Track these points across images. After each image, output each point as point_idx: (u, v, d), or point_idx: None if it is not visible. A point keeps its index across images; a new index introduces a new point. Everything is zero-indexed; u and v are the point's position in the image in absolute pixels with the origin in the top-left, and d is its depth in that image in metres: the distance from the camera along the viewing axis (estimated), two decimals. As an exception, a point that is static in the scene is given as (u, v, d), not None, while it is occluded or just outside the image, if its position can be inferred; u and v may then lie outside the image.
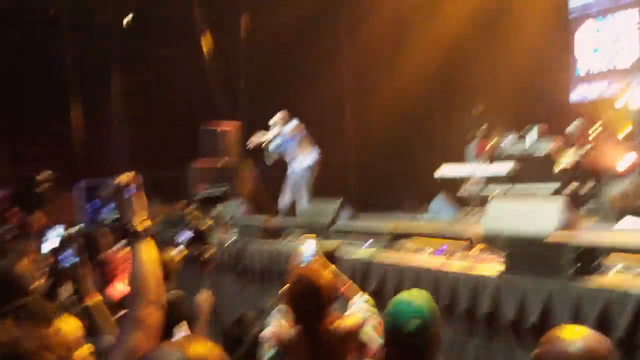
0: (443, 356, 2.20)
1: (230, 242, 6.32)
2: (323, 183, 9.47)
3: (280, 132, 8.14)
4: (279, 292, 2.86)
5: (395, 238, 5.20)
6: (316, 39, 11.85)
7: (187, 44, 12.24)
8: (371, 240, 5.33)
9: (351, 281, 3.02)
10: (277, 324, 2.74)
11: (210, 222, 3.46)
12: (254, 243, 6.08)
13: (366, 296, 2.94)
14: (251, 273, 6.03)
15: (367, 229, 5.72)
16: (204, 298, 3.50)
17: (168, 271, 3.00)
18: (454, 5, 11.01)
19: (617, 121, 10.62)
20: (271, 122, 8.21)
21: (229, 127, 12.04)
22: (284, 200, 8.05)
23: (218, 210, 7.98)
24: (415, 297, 2.20)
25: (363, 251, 5.01)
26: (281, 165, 11.74)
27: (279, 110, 11.95)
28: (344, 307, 2.93)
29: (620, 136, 10.49)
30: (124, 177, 1.75)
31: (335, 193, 7.11)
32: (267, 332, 2.75)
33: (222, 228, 6.96)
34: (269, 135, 8.18)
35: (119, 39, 12.21)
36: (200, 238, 3.36)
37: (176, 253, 3.53)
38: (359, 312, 2.77)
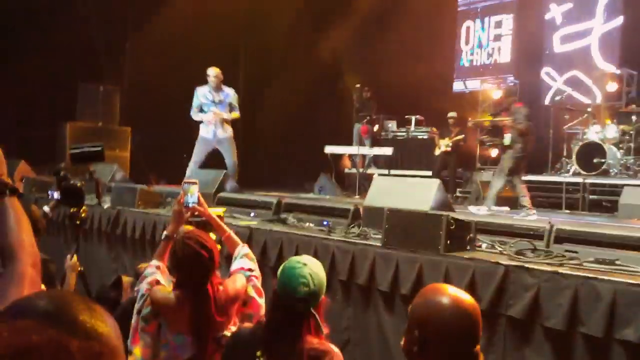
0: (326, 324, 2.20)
1: (105, 206, 5.96)
2: (211, 159, 9.27)
3: (215, 90, 7.38)
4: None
5: (279, 211, 5.20)
6: (210, 10, 11.48)
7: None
8: (254, 213, 5.30)
9: (231, 231, 2.95)
10: (152, 282, 2.62)
11: (82, 182, 3.19)
12: (130, 210, 5.79)
13: (246, 248, 2.89)
14: (126, 241, 5.75)
15: (252, 201, 5.66)
16: (71, 263, 3.27)
17: (34, 232, 2.75)
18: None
19: (489, 115, 11.42)
20: (209, 73, 7.36)
21: (110, 89, 11.37)
22: (194, 165, 7.36)
23: (93, 171, 7.51)
24: (307, 264, 2.18)
25: (246, 221, 4.95)
26: (160, 134, 11.37)
27: (161, 77, 11.56)
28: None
29: (491, 128, 11.30)
30: None
31: (220, 166, 6.99)
32: (143, 289, 2.62)
33: (98, 191, 6.56)
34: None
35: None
36: (72, 197, 3.10)
37: (43, 212, 3.24)
38: (240, 273, 2.72)
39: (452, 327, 1.51)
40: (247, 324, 2.32)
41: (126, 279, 3.65)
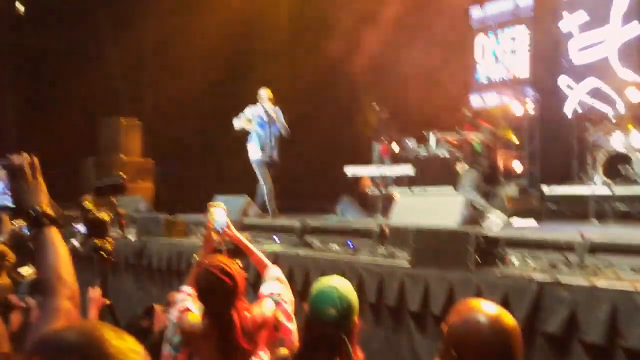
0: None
1: (130, 238, 5.99)
2: (229, 182, 9.30)
3: (266, 111, 7.28)
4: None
5: (304, 234, 5.17)
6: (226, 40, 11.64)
7: (84, 33, 11.57)
8: (279, 237, 5.27)
9: (261, 254, 2.92)
10: (182, 310, 2.61)
11: (108, 214, 3.20)
12: (156, 240, 5.81)
13: (276, 270, 2.84)
14: (153, 272, 5.75)
15: (275, 226, 5.65)
16: (93, 296, 3.25)
17: None
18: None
19: (510, 129, 11.32)
20: (262, 94, 7.30)
21: (131, 123, 11.54)
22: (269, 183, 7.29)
23: (117, 204, 7.58)
24: (337, 285, 2.14)
25: (271, 246, 4.92)
26: (183, 164, 11.47)
27: (180, 108, 11.66)
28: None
29: (512, 143, 11.20)
30: (20, 157, 1.52)
31: (243, 192, 7.00)
32: (173, 317, 2.61)
33: (122, 223, 6.60)
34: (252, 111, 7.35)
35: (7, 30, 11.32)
36: (97, 229, 3.11)
37: (72, 245, 3.25)
38: (269, 298, 2.68)
39: (492, 347, 1.44)
40: (283, 353, 2.24)
41: (158, 307, 3.63)
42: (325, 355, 2.02)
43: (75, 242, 3.82)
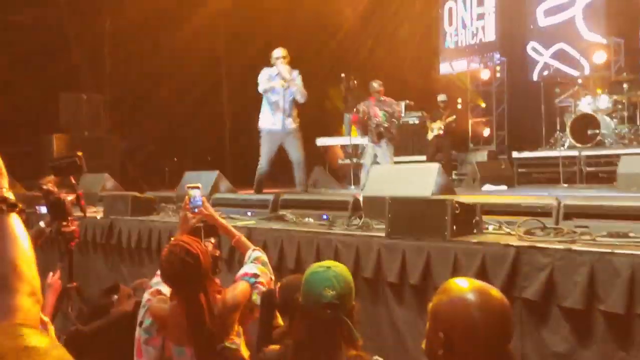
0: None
1: (97, 217, 5.82)
2: (198, 158, 9.13)
3: (280, 73, 6.45)
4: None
5: (277, 208, 5.08)
6: (190, 12, 11.31)
7: (46, 8, 11.08)
8: (251, 212, 5.17)
9: (240, 235, 2.84)
10: (153, 293, 2.52)
11: (69, 194, 3.06)
12: (124, 219, 5.65)
13: (257, 252, 2.77)
14: (122, 250, 5.60)
15: (248, 200, 5.53)
16: (51, 281, 3.12)
17: None
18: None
19: (478, 94, 11.35)
20: (277, 54, 6.51)
21: (93, 98, 11.18)
22: (265, 164, 6.60)
23: (82, 183, 7.35)
24: (331, 267, 2.05)
25: (244, 221, 4.82)
26: (148, 140, 11.21)
27: (146, 84, 11.35)
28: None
29: (481, 109, 11.23)
30: None
31: (212, 168, 6.84)
32: (144, 299, 2.52)
33: (81, 204, 6.41)
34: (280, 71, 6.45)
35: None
36: (59, 211, 2.96)
37: (39, 227, 3.10)
38: (243, 280, 2.59)
39: (482, 327, 1.37)
40: (273, 347, 2.13)
41: (124, 288, 3.51)
42: (327, 341, 1.90)
43: (42, 224, 3.65)
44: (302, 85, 6.55)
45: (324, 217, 4.66)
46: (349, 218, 4.36)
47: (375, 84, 7.96)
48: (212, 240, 2.81)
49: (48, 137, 10.35)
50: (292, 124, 6.56)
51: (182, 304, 2.38)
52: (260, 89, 6.53)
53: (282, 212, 4.89)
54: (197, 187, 2.83)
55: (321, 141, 9.94)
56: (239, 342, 2.47)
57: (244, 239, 2.87)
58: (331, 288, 1.91)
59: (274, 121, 6.50)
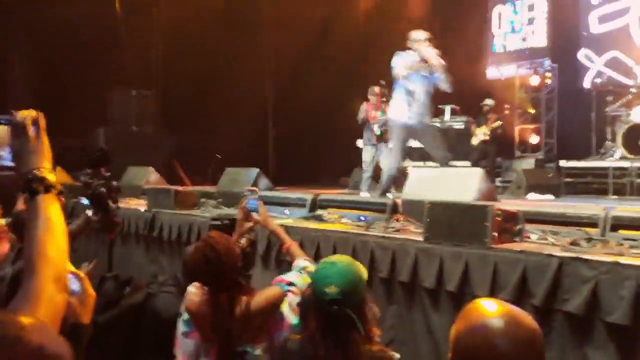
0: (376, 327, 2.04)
1: (141, 209, 5.94)
2: (242, 155, 9.20)
3: (423, 59, 5.71)
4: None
5: (315, 208, 5.07)
6: (238, 13, 11.46)
7: (95, 5, 11.40)
8: (290, 210, 5.18)
9: (294, 242, 2.84)
10: (195, 290, 2.53)
11: (109, 186, 3.11)
12: (166, 212, 5.75)
13: (304, 262, 2.74)
14: (163, 243, 5.70)
15: (287, 199, 5.54)
16: (85, 271, 3.16)
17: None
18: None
19: (527, 101, 11.08)
20: (417, 36, 5.76)
21: (143, 94, 11.43)
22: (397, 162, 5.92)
23: (127, 175, 7.52)
24: (336, 261, 2.04)
25: (281, 220, 4.83)
26: (196, 136, 11.37)
27: (194, 81, 11.57)
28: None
29: (529, 115, 10.96)
30: (24, 113, 1.36)
31: (254, 165, 6.89)
32: (189, 292, 2.55)
33: (112, 196, 6.54)
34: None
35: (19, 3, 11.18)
36: (100, 204, 3.02)
37: (86, 216, 3.16)
38: (279, 285, 2.57)
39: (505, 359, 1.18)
40: (294, 337, 2.14)
41: (137, 283, 3.54)
42: (334, 336, 1.90)
43: (89, 213, 3.74)
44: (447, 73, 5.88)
45: (362, 218, 4.62)
46: (386, 220, 4.31)
47: (376, 88, 8.13)
48: (246, 236, 2.82)
49: (97, 130, 10.65)
50: (429, 119, 5.93)
51: (207, 302, 2.38)
52: (399, 74, 5.75)
53: (320, 211, 4.88)
54: (254, 190, 2.91)
55: (360, 142, 9.87)
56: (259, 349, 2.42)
57: (295, 247, 2.85)
58: (334, 285, 1.91)
59: (409, 115, 5.72)
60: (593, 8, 10.55)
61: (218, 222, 2.82)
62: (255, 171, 6.17)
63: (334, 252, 4.09)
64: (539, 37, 11.37)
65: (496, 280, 3.19)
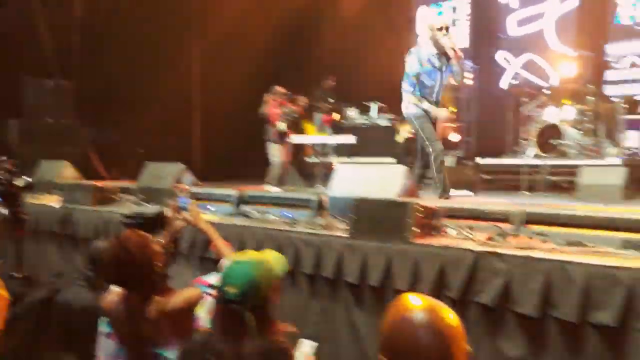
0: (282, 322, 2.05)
1: (54, 206, 5.65)
2: (165, 148, 8.96)
3: (439, 53, 5.40)
4: None
5: (241, 204, 5.02)
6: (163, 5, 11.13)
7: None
8: (214, 207, 5.09)
9: (225, 242, 2.76)
10: (114, 289, 2.43)
11: (22, 181, 2.94)
12: (82, 209, 5.50)
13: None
14: (78, 241, 5.45)
15: (211, 194, 5.45)
16: None
17: None
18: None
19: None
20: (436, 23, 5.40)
21: (62, 84, 10.88)
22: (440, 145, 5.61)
23: (40, 170, 7.14)
24: (241, 261, 2.04)
25: (207, 216, 4.74)
26: (119, 130, 10.97)
27: (115, 72, 11.12)
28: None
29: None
30: None
31: (179, 159, 6.72)
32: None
33: (44, 191, 6.23)
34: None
35: None
36: (10, 200, 2.85)
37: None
38: (197, 285, 2.51)
39: (425, 349, 1.27)
40: (203, 331, 2.13)
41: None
42: (232, 334, 1.92)
43: (2, 210, 3.53)
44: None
45: (287, 214, 4.62)
46: (312, 217, 4.33)
47: (279, 88, 8.68)
48: (166, 235, 2.75)
49: (8, 121, 10.05)
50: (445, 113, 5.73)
51: (120, 301, 2.30)
52: (412, 72, 5.45)
53: (246, 208, 4.83)
54: (185, 189, 2.85)
55: (292, 139, 9.87)
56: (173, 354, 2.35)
57: (224, 247, 2.77)
58: (233, 285, 1.93)
59: (424, 104, 5.47)
60: (511, 11, 11.04)
61: (132, 220, 2.69)
62: (178, 166, 6.01)
63: (259, 248, 4.07)
64: (461, 39, 11.77)
65: (416, 274, 3.27)
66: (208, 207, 5.06)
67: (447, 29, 5.41)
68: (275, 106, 8.71)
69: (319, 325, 3.76)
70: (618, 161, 7.86)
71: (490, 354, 3.01)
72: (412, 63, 5.44)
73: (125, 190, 5.96)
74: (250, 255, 2.17)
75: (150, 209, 3.27)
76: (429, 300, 1.35)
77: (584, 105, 8.85)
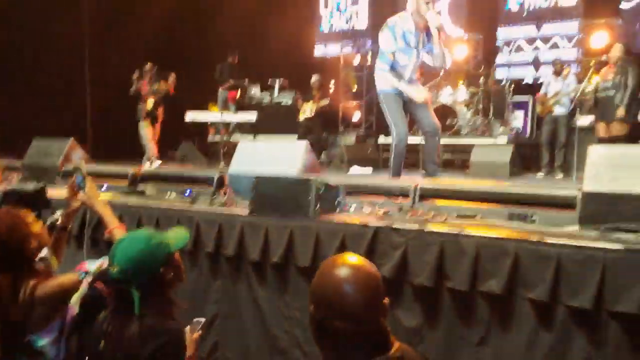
0: (179, 302, 1.99)
1: None
2: (57, 125, 8.38)
3: (418, 29, 4.89)
4: None
5: (136, 182, 4.81)
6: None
7: None
8: (108, 185, 4.84)
9: (121, 225, 2.59)
10: None
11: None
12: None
13: None
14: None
15: (104, 173, 5.17)
16: None
17: None
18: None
19: (351, 79, 11.61)
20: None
21: None
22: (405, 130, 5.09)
23: None
24: (127, 240, 1.97)
25: (102, 195, 4.49)
26: (6, 106, 10.10)
27: (3, 47, 10.16)
28: None
29: (352, 93, 11.52)
30: None
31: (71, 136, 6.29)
32: None
33: None
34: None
35: None
36: None
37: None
38: (77, 272, 2.34)
39: (352, 302, 1.35)
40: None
41: None
42: (120, 314, 1.88)
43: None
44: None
45: (188, 192, 4.49)
46: (212, 195, 4.24)
47: (147, 65, 8.83)
48: (62, 215, 2.57)
49: None
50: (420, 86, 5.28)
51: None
52: (387, 50, 4.95)
53: (142, 186, 4.64)
54: (79, 168, 2.63)
55: (191, 116, 9.59)
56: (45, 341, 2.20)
57: (119, 231, 2.59)
58: (116, 264, 1.88)
59: (399, 82, 4.95)
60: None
61: (8, 198, 2.48)
62: (67, 141, 5.63)
63: (157, 227, 3.92)
64: (362, 19, 11.95)
65: (318, 250, 3.30)
66: (104, 187, 4.81)
67: (433, 3, 4.95)
68: (145, 84, 8.72)
69: (221, 303, 3.71)
70: (505, 140, 8.38)
71: (390, 324, 3.11)
72: (387, 39, 4.91)
73: (11, 168, 5.52)
74: (139, 232, 2.08)
75: (29, 185, 3.03)
76: (352, 257, 1.44)
77: (476, 87, 9.32)
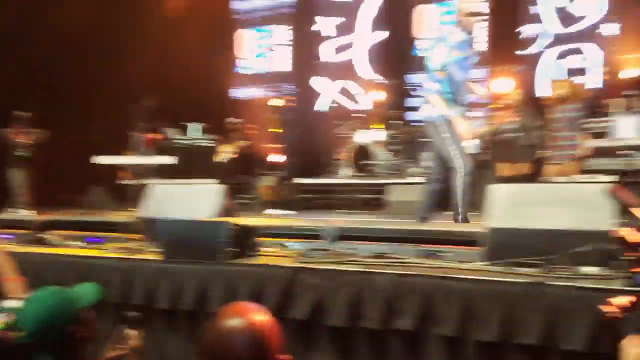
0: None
1: None
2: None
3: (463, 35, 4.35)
4: None
5: (39, 230, 4.52)
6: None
7: None
8: (10, 234, 4.54)
9: (18, 278, 2.38)
10: None
11: None
12: None
13: (18, 303, 2.34)
14: None
15: (8, 220, 4.86)
16: None
17: None
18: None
19: (273, 121, 11.71)
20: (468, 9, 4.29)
21: None
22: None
23: None
24: (37, 297, 1.87)
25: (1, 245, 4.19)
26: None
27: None
28: None
29: (274, 135, 11.59)
30: None
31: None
32: None
33: None
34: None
35: None
36: None
37: None
38: None
39: (239, 352, 1.38)
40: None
41: None
42: None
43: None
44: None
45: (99, 240, 4.28)
46: (122, 241, 4.06)
47: (24, 114, 8.80)
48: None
49: None
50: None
51: None
52: (435, 68, 4.37)
53: (45, 234, 4.37)
54: None
55: (99, 159, 9.23)
56: None
57: (14, 284, 2.40)
58: (22, 329, 1.77)
59: (456, 106, 4.37)
60: (326, 39, 11.70)
61: None
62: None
63: (60, 279, 3.69)
64: (283, 63, 12.17)
65: (232, 294, 3.21)
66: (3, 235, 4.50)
67: (477, 14, 4.48)
68: (16, 132, 8.84)
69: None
70: (419, 180, 8.66)
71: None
72: (437, 54, 4.34)
73: None
74: (44, 290, 1.95)
75: None
76: (239, 306, 1.48)
77: (392, 128, 9.63)
